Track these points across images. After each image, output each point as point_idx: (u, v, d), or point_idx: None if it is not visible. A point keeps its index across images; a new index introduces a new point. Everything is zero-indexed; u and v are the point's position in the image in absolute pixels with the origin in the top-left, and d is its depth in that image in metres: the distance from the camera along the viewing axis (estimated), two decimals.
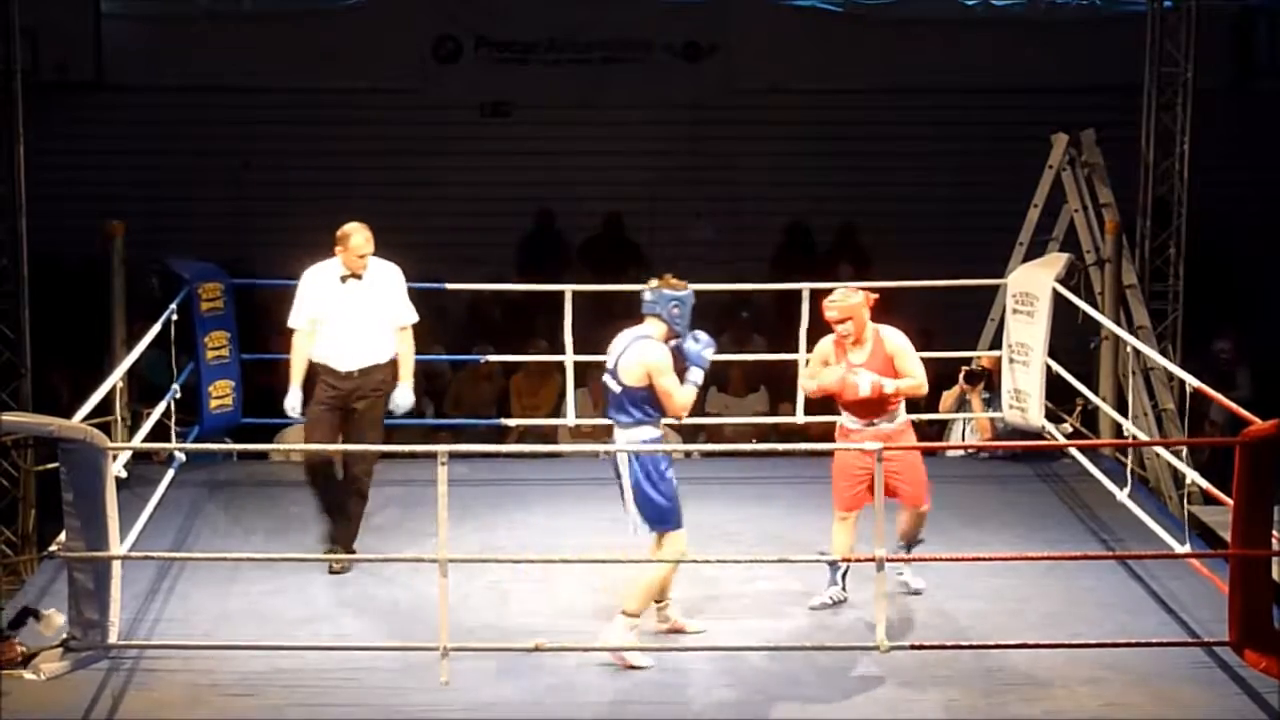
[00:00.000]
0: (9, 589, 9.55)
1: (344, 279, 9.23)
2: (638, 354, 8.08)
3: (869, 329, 8.59)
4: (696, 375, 8.12)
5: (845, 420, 8.64)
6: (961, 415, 11.38)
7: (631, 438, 8.17)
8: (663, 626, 8.32)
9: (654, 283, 8.25)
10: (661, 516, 8.10)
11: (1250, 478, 7.34)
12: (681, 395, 8.07)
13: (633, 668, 7.90)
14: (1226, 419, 10.95)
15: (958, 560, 8.77)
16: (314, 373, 9.22)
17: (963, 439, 11.43)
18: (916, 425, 12.61)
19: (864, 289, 8.66)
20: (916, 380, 8.59)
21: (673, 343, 8.13)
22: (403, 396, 9.28)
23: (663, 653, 8.01)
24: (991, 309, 11.66)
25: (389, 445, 8.52)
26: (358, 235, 9.21)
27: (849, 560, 8.45)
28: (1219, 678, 7.82)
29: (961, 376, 11.26)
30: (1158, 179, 11.87)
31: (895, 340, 8.60)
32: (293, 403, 9.25)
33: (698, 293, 8.18)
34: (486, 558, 8.94)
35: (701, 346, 8.16)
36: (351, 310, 9.21)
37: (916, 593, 8.71)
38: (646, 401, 8.10)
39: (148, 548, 9.06)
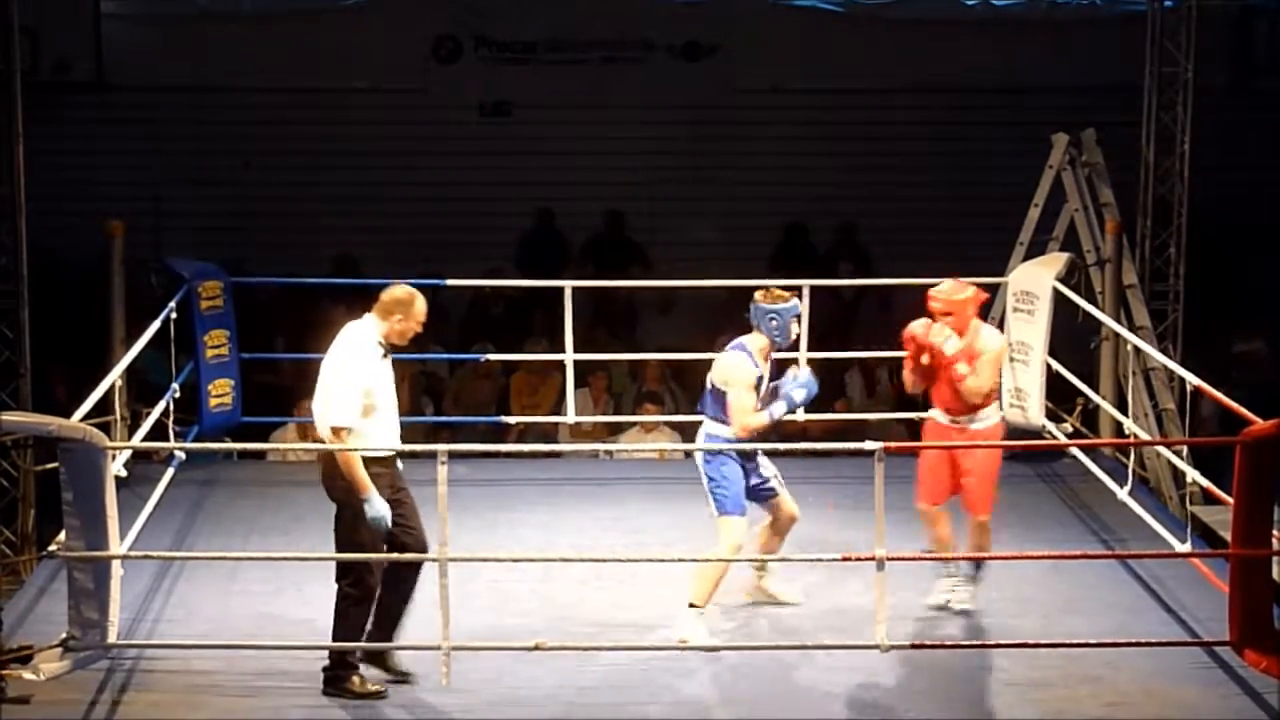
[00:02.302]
0: (9, 589, 9.55)
1: (386, 353, 7.73)
2: (724, 360, 8.33)
3: (972, 326, 8.54)
4: (778, 409, 8.30)
5: (934, 414, 8.69)
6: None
7: (708, 429, 8.37)
8: (760, 595, 8.57)
9: (759, 295, 8.35)
10: (717, 501, 8.27)
11: (1250, 478, 7.34)
12: (745, 416, 8.25)
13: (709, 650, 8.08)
14: (1214, 413, 10.98)
15: (958, 560, 8.75)
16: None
17: None
18: (915, 424, 12.71)
19: (976, 285, 8.63)
20: (976, 381, 8.43)
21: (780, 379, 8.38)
22: None
23: (663, 651, 8.01)
24: (992, 308, 11.65)
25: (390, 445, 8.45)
26: (422, 301, 7.74)
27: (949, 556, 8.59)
28: (1219, 678, 7.82)
29: None
30: (1158, 179, 11.86)
31: (988, 342, 8.53)
32: (386, 510, 7.61)
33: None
34: (486, 558, 8.94)
35: (795, 386, 8.33)
36: (392, 388, 7.79)
37: (962, 613, 8.58)
38: (723, 406, 8.30)
39: (148, 547, 9.06)
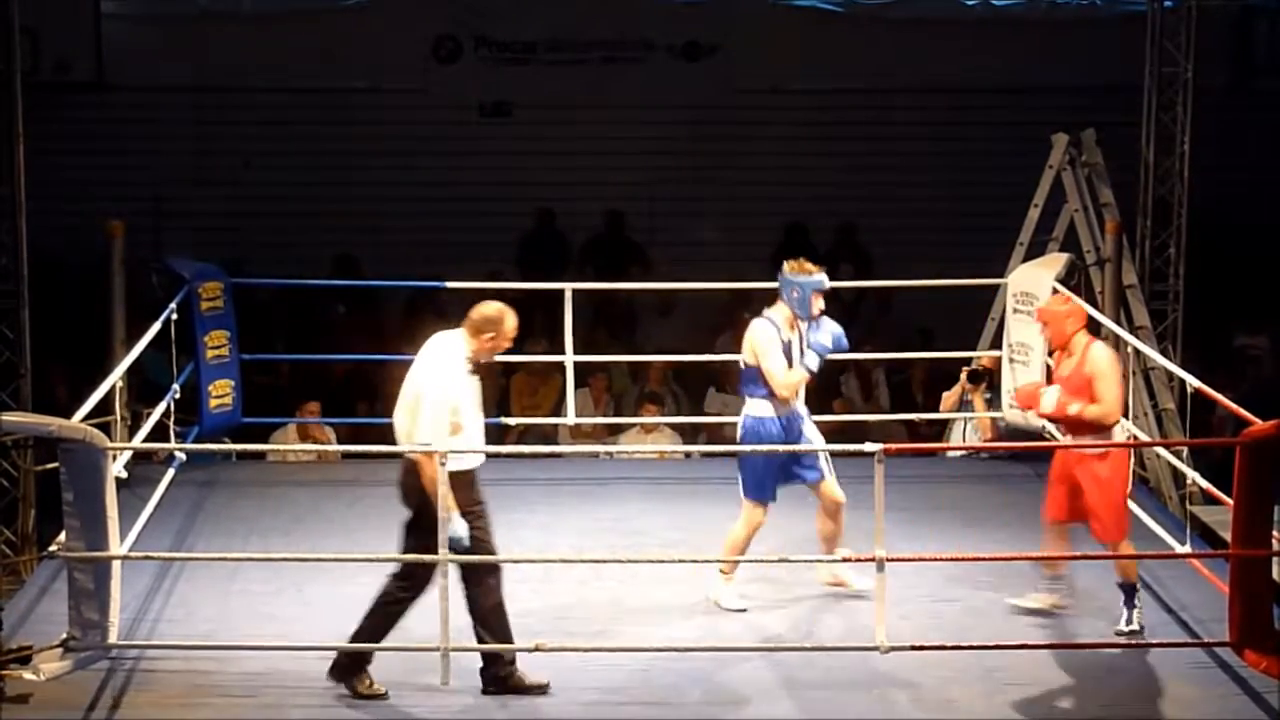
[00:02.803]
0: (9, 589, 9.55)
1: (473, 370, 7.68)
2: (748, 332, 8.49)
3: (1079, 342, 8.28)
4: (810, 360, 8.45)
5: (1058, 431, 8.58)
6: (962, 415, 11.37)
7: (746, 410, 8.53)
8: (828, 578, 8.74)
9: (787, 265, 8.46)
10: (742, 483, 8.51)
11: (1250, 478, 7.34)
12: (781, 375, 8.41)
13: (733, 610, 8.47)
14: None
15: (958, 560, 8.76)
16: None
17: (964, 439, 11.43)
18: (916, 425, 12.72)
19: (1073, 302, 8.44)
20: (1101, 408, 8.12)
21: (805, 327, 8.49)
22: None
23: (663, 652, 8.01)
24: (992, 308, 11.66)
25: (390, 445, 8.42)
26: (513, 318, 7.66)
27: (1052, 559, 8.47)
28: (1219, 678, 7.82)
29: (965, 376, 11.24)
30: (1158, 179, 11.86)
31: (1098, 361, 8.21)
32: (464, 530, 7.56)
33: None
34: (487, 558, 8.92)
35: (820, 333, 8.45)
36: (478, 404, 7.76)
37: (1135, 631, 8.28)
38: (756, 379, 8.45)
39: (148, 548, 9.05)
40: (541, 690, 7.66)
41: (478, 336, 7.60)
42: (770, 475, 8.50)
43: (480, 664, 7.71)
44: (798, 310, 8.43)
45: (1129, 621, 8.26)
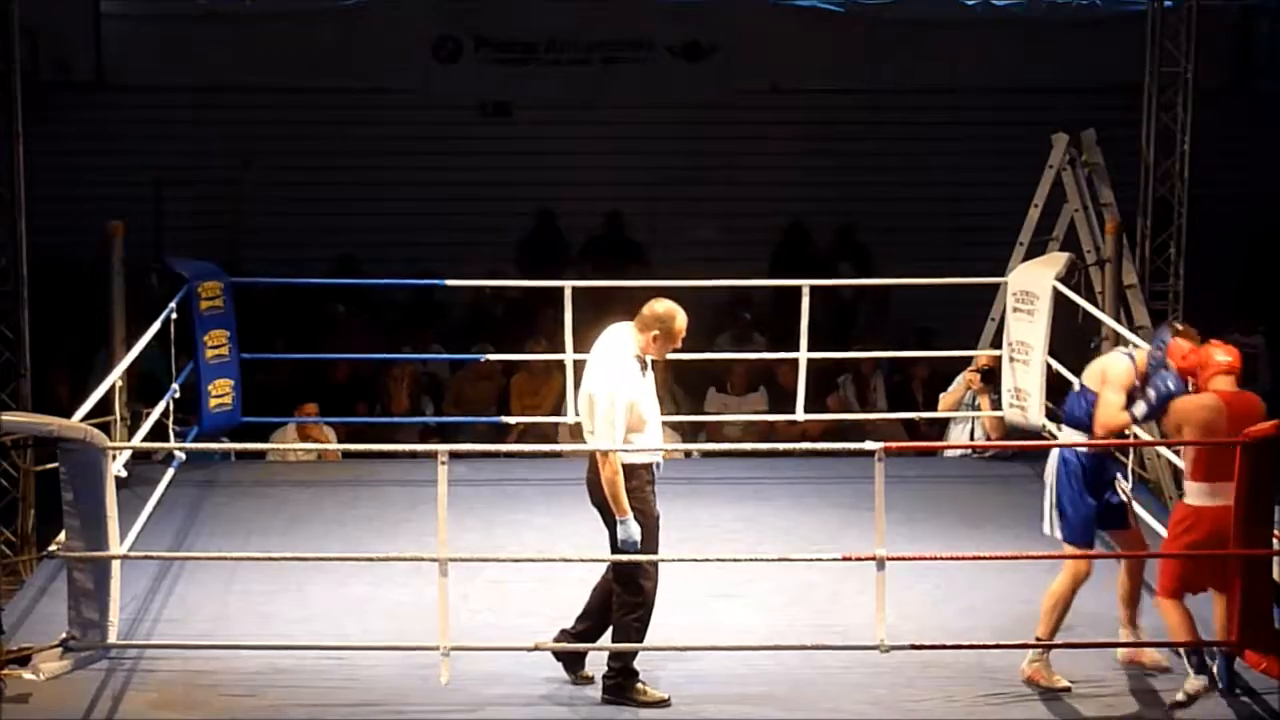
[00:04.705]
0: (9, 589, 9.55)
1: (645, 367, 7.62)
2: (1105, 358, 8.02)
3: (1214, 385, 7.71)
4: (1138, 409, 7.84)
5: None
6: (962, 414, 11.36)
7: (1062, 437, 8.10)
8: (1122, 654, 8.07)
9: (1179, 329, 7.95)
10: (1061, 525, 7.95)
11: (1250, 478, 7.34)
12: (1107, 411, 7.82)
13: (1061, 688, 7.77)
14: None
15: (958, 560, 8.76)
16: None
17: (970, 438, 11.41)
18: (915, 424, 12.71)
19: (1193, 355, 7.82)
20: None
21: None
22: None
23: (663, 651, 8.00)
24: (992, 308, 11.66)
25: (390, 445, 8.42)
26: (683, 318, 7.63)
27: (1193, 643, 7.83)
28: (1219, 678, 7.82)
29: (978, 377, 11.21)
30: (1158, 179, 11.86)
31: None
32: (637, 534, 7.58)
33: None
34: (486, 558, 8.94)
35: (1157, 380, 7.87)
36: (654, 398, 7.72)
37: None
38: (1082, 406, 7.98)
39: (147, 547, 9.05)
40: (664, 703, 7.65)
41: (645, 333, 7.58)
42: (1089, 513, 7.89)
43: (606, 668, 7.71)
44: (1150, 362, 7.89)
45: (1183, 688, 7.69)
